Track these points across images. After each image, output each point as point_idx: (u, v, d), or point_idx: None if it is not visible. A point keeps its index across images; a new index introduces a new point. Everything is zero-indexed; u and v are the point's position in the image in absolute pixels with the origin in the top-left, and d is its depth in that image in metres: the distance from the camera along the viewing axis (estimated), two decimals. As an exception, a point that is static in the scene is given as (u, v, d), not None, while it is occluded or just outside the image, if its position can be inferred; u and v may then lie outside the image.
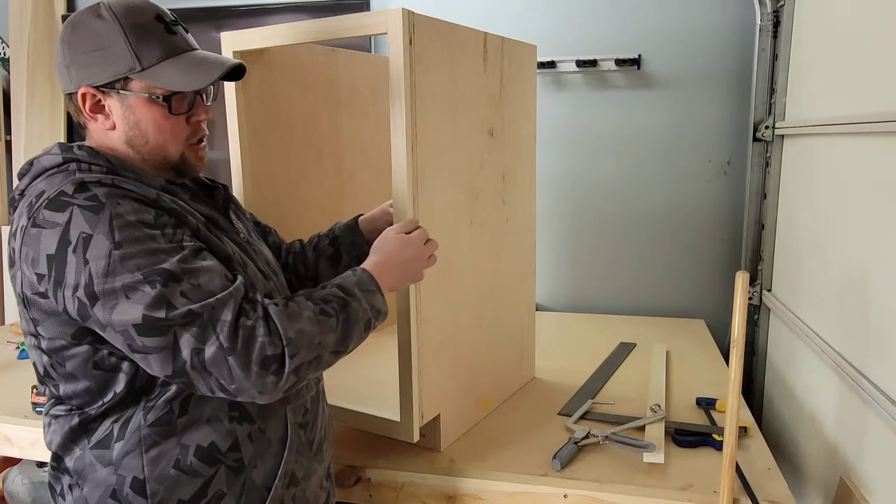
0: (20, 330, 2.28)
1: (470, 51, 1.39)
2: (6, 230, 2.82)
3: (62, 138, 2.80)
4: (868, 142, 1.41)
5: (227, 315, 0.84)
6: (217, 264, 0.89)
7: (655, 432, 1.44)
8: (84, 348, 0.89)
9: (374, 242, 1.13)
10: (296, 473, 1.04)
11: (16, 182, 0.97)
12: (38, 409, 1.62)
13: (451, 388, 1.43)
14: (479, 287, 1.51)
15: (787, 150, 2.07)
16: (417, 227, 1.16)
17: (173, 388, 0.92)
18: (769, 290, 2.17)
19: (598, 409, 1.61)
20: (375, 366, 1.66)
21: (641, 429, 1.47)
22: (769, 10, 2.10)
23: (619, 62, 2.33)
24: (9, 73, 2.82)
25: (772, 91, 2.14)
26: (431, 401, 1.35)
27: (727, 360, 1.66)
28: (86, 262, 0.82)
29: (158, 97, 0.93)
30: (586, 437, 1.41)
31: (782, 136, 2.09)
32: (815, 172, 1.77)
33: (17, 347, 2.11)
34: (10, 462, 1.98)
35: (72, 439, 0.94)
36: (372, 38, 2.51)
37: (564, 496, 1.29)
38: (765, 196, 2.17)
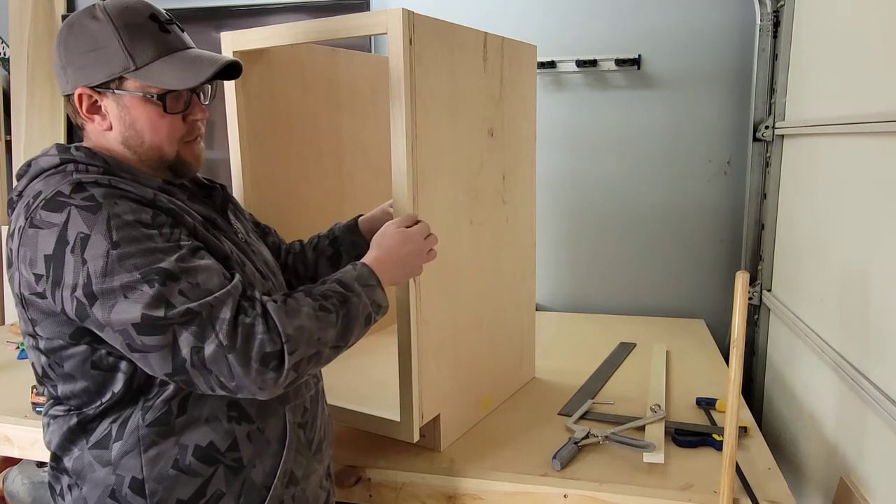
0: (20, 330, 2.29)
1: (470, 51, 1.39)
2: (6, 230, 2.82)
3: (62, 138, 2.80)
4: (868, 142, 1.41)
5: (226, 313, 0.84)
6: (215, 263, 0.90)
7: (655, 432, 1.44)
8: (82, 348, 0.89)
9: (374, 237, 1.13)
10: (295, 473, 1.04)
11: (15, 182, 0.97)
12: (38, 409, 1.62)
13: (451, 388, 1.43)
14: (479, 287, 1.51)
15: (787, 150, 2.07)
16: (418, 222, 1.16)
17: (171, 387, 0.92)
18: (769, 290, 2.17)
19: (598, 409, 1.61)
20: (375, 366, 1.66)
21: (641, 429, 1.47)
22: (769, 10, 2.10)
23: (619, 62, 2.33)
24: (9, 73, 2.82)
25: (772, 91, 2.14)
26: (431, 401, 1.35)
27: (727, 360, 1.66)
28: (84, 262, 0.82)
29: (153, 96, 0.93)
30: (586, 437, 1.41)
31: (782, 136, 2.09)
32: (815, 172, 1.77)
33: (17, 347, 2.11)
34: (10, 462, 1.98)
35: (70, 439, 0.94)
36: (372, 38, 2.51)
37: (564, 496, 1.29)
38: (765, 196, 2.17)
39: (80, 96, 0.94)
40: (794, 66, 2.02)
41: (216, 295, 0.85)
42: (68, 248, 0.83)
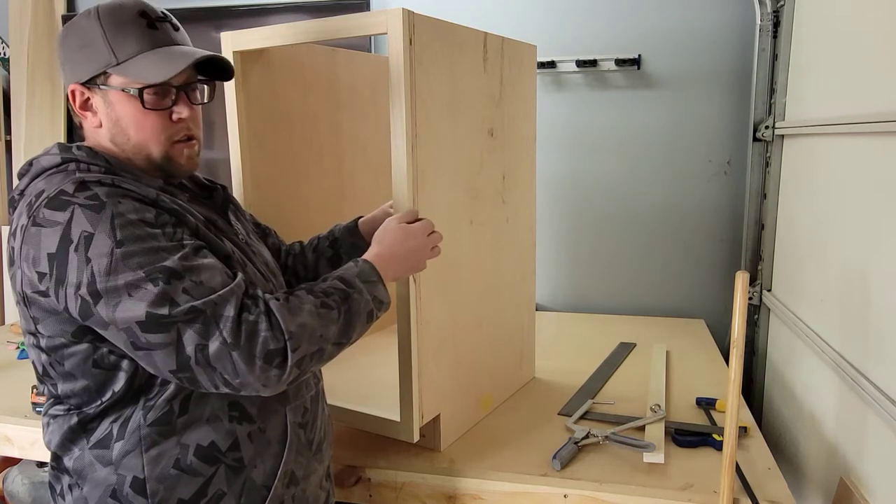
0: (20, 330, 2.28)
1: (470, 51, 1.39)
2: (6, 230, 2.82)
3: (62, 138, 2.80)
4: (868, 142, 1.41)
5: (230, 311, 0.84)
6: (217, 262, 0.90)
7: (655, 432, 1.44)
8: (83, 346, 0.89)
9: (376, 233, 1.13)
10: (295, 473, 1.04)
11: (16, 182, 0.97)
12: (38, 409, 1.62)
13: (451, 388, 1.43)
14: (479, 287, 1.51)
15: (787, 150, 2.07)
16: (419, 219, 1.16)
17: (173, 387, 0.92)
18: (769, 290, 2.18)
19: (598, 409, 1.61)
20: (375, 366, 1.66)
21: (641, 429, 1.47)
22: (769, 10, 2.10)
23: (619, 62, 2.33)
24: (9, 73, 2.82)
25: (772, 91, 2.14)
26: (431, 401, 1.35)
27: (727, 360, 1.66)
28: (88, 260, 0.82)
29: (132, 91, 0.92)
30: (586, 437, 1.41)
31: (782, 136, 2.09)
32: (815, 172, 1.77)
33: (18, 347, 2.11)
34: (10, 462, 1.98)
35: (70, 439, 0.94)
36: (372, 38, 2.51)
37: (564, 496, 1.29)
38: (765, 196, 2.17)
39: (72, 92, 0.95)
40: (794, 66, 2.02)
41: (220, 293, 0.85)
42: (72, 247, 0.83)
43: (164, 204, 0.91)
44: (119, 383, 0.91)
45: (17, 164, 2.82)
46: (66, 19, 2.77)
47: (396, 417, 1.32)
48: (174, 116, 0.96)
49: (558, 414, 1.59)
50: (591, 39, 2.38)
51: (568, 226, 2.52)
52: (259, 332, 0.85)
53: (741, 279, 1.14)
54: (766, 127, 2.13)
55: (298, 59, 1.59)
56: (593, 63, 2.35)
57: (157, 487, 0.91)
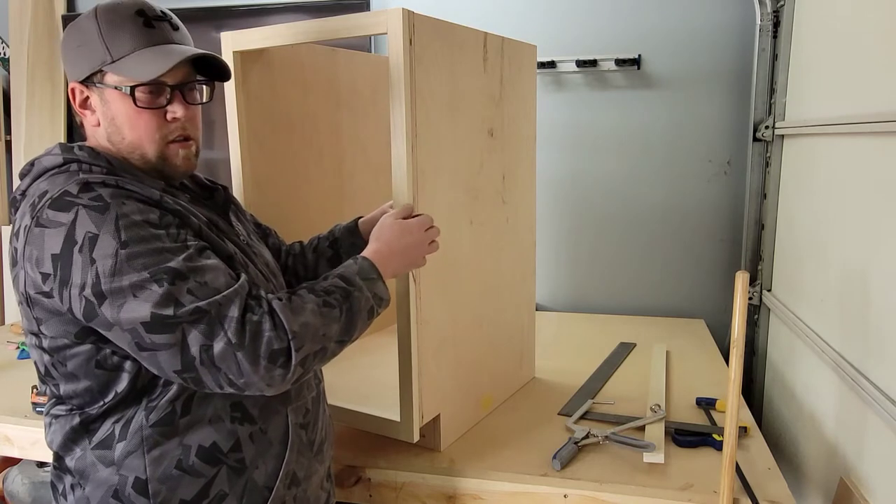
0: (20, 330, 2.29)
1: (470, 51, 1.39)
2: (6, 230, 2.82)
3: (62, 138, 2.80)
4: (868, 142, 1.41)
5: (234, 311, 0.84)
6: (221, 263, 0.90)
7: (655, 432, 1.44)
8: (86, 347, 0.89)
9: (373, 230, 1.12)
10: (297, 474, 1.04)
11: (16, 182, 0.97)
12: (38, 409, 1.62)
13: (451, 388, 1.43)
14: (479, 287, 1.51)
15: (787, 150, 2.07)
16: (417, 214, 1.16)
17: (175, 387, 0.92)
18: (769, 290, 2.17)
19: (598, 409, 1.61)
20: (375, 366, 1.66)
21: (641, 429, 1.47)
22: (769, 10, 2.10)
23: (619, 62, 2.33)
24: (9, 73, 2.82)
25: (772, 91, 2.14)
26: (431, 401, 1.35)
27: (727, 360, 1.66)
28: (92, 261, 0.82)
29: (125, 89, 0.93)
30: (586, 437, 1.41)
31: (782, 136, 2.09)
32: (815, 172, 1.77)
33: (18, 347, 2.11)
34: (10, 462, 1.98)
35: (72, 439, 0.94)
36: (372, 38, 2.51)
37: (564, 496, 1.29)
38: (765, 196, 2.17)
39: (72, 90, 0.96)
40: (794, 66, 2.02)
41: (224, 293, 0.85)
42: (76, 248, 0.83)
43: (167, 205, 0.91)
44: (122, 384, 0.91)
45: (17, 164, 2.82)
46: (66, 19, 2.77)
47: (396, 417, 1.32)
48: (168, 116, 0.96)
49: (558, 414, 1.59)
50: (591, 39, 2.38)
51: (568, 226, 2.52)
52: (263, 332, 0.85)
53: (741, 279, 1.14)
54: (766, 127, 2.13)
55: (298, 59, 1.59)
56: (593, 63, 2.34)
57: (160, 488, 0.92)
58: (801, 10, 1.95)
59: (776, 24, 2.10)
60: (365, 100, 1.83)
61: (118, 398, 0.91)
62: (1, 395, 1.75)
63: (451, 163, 1.36)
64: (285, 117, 1.57)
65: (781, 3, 2.06)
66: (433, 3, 2.34)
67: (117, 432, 0.92)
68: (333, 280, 0.97)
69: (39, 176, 0.93)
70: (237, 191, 1.48)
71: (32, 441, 1.60)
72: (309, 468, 1.07)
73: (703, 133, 2.36)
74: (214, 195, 1.08)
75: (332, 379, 1.41)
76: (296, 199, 1.62)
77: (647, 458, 1.33)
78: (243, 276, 0.90)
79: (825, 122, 1.67)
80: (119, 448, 0.91)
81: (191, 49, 0.95)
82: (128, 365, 0.90)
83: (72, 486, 0.95)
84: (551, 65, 2.38)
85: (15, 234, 0.90)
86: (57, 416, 0.96)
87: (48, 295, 0.86)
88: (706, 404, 1.61)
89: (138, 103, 0.93)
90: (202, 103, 1.02)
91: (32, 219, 0.86)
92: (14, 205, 0.94)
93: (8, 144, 2.87)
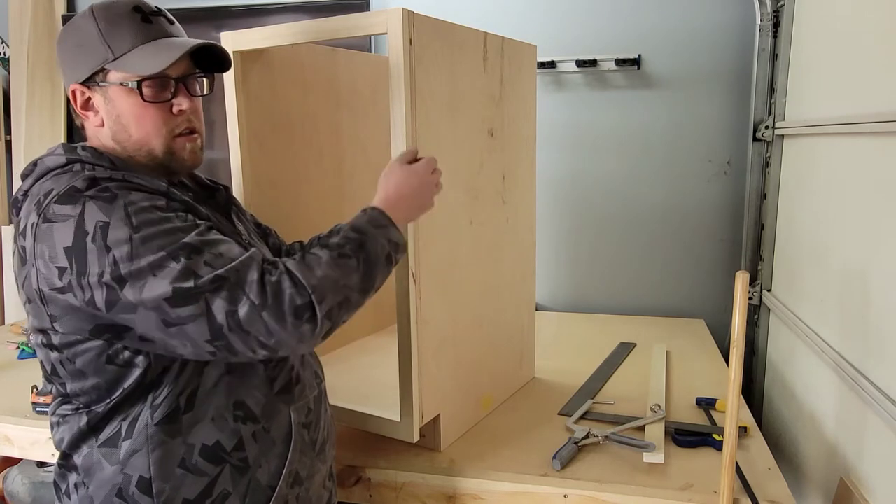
0: (20, 330, 2.29)
1: (470, 51, 1.39)
2: (6, 230, 2.82)
3: (62, 138, 2.80)
4: (868, 142, 1.41)
5: (253, 275, 0.85)
6: (229, 239, 0.91)
7: (655, 432, 1.44)
8: (98, 343, 0.89)
9: (380, 179, 1.11)
10: (300, 473, 1.04)
11: (17, 182, 0.97)
12: (38, 409, 1.62)
13: (451, 388, 1.43)
14: (479, 287, 1.51)
15: (787, 150, 2.07)
16: (420, 158, 1.14)
17: (180, 383, 0.92)
18: (769, 290, 2.18)
19: (598, 409, 1.61)
20: (375, 366, 1.66)
21: (641, 429, 1.47)
22: (769, 10, 2.10)
23: (619, 62, 2.33)
24: (9, 73, 2.82)
25: (772, 91, 2.14)
26: (431, 401, 1.35)
27: (727, 360, 1.66)
28: (108, 248, 0.83)
29: (131, 84, 0.93)
30: (586, 437, 1.41)
31: (782, 136, 2.09)
32: (815, 172, 1.77)
33: (18, 347, 2.11)
34: (10, 462, 1.98)
35: (80, 438, 0.94)
36: (372, 38, 2.51)
37: (564, 496, 1.29)
38: (765, 196, 2.17)
39: (73, 93, 0.95)
40: (794, 66, 2.02)
41: (240, 260, 0.86)
42: (88, 238, 0.83)
43: (174, 195, 0.93)
44: (129, 380, 0.90)
45: (17, 164, 2.82)
46: (66, 19, 2.77)
47: (396, 417, 1.32)
48: (175, 109, 0.96)
49: (558, 414, 1.59)
50: (591, 39, 2.38)
51: (568, 226, 2.52)
52: (284, 290, 0.85)
53: (741, 279, 1.14)
54: (766, 127, 2.13)
55: (298, 59, 1.59)
56: (593, 63, 2.34)
57: (163, 487, 0.92)
58: (801, 10, 1.95)
59: (776, 24, 2.10)
60: (365, 100, 1.83)
61: (124, 394, 0.91)
62: (1, 395, 1.75)
63: (451, 163, 1.36)
64: (285, 117, 1.57)
65: (781, 3, 2.06)
66: (433, 3, 2.34)
67: (124, 430, 0.92)
68: (345, 233, 0.97)
69: (42, 176, 0.93)
70: (237, 191, 1.48)
71: (32, 441, 1.60)
72: (311, 467, 1.07)
73: (703, 133, 2.36)
74: (216, 195, 1.08)
75: (332, 379, 1.41)
76: (296, 199, 1.62)
77: (647, 458, 1.33)
78: (253, 248, 0.91)
79: (825, 122, 1.67)
80: (125, 446, 0.91)
81: (192, 40, 0.96)
82: (139, 360, 0.90)
83: (75, 485, 0.95)
84: (551, 65, 2.37)
85: (21, 234, 0.89)
86: (64, 416, 0.96)
87: (64, 290, 0.85)
88: (706, 404, 1.61)
89: (145, 98, 0.93)
90: (204, 95, 1.02)
91: (39, 216, 0.86)
92: (16, 205, 0.94)
93: (8, 144, 2.87)
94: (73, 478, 0.96)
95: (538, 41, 1.82)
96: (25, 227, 0.88)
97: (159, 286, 0.82)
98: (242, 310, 0.83)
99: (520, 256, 1.70)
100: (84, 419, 0.93)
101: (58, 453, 0.99)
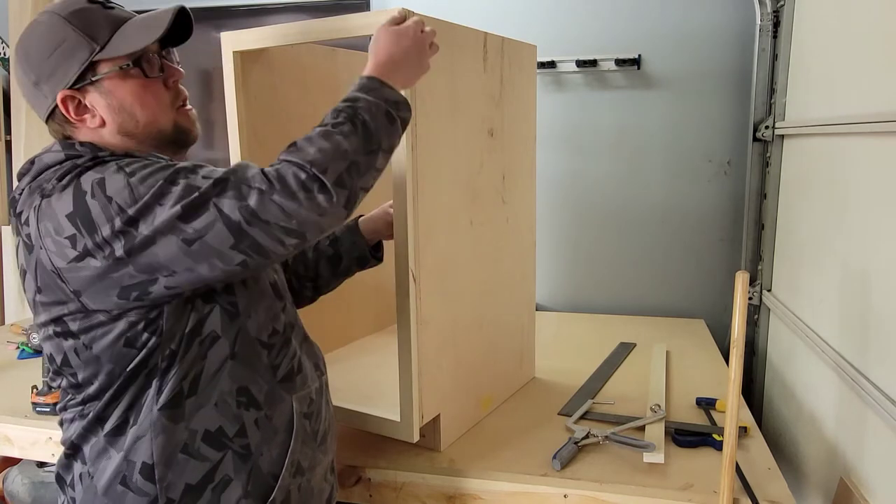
0: (20, 330, 2.29)
1: (470, 51, 1.39)
2: (6, 230, 2.82)
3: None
4: (868, 142, 1.41)
5: (252, 170, 0.87)
6: None
7: (655, 432, 1.44)
8: (120, 324, 0.89)
9: (369, 46, 1.07)
10: (301, 463, 1.05)
11: (16, 183, 0.96)
12: (38, 409, 1.62)
13: (451, 388, 1.43)
14: (479, 287, 1.50)
15: (787, 150, 2.07)
16: (408, 19, 1.11)
17: (185, 364, 0.92)
18: (769, 290, 2.18)
19: (598, 409, 1.61)
20: (375, 366, 1.66)
21: (641, 429, 1.47)
22: (769, 10, 2.10)
23: (619, 62, 2.33)
24: (9, 73, 2.82)
25: (772, 91, 2.14)
26: (431, 401, 1.35)
27: (727, 360, 1.66)
28: (109, 199, 0.84)
29: (128, 66, 0.93)
30: (586, 437, 1.41)
31: (782, 136, 2.09)
32: (815, 172, 1.77)
33: (17, 347, 2.11)
34: (10, 462, 1.98)
35: (89, 429, 0.95)
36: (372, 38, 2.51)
37: (564, 496, 1.29)
38: (765, 196, 2.18)
39: (63, 102, 0.92)
40: (794, 66, 2.02)
41: (235, 163, 0.89)
42: (87, 196, 0.85)
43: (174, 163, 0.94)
44: (138, 360, 0.90)
45: (18, 164, 2.82)
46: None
47: (397, 417, 1.32)
48: (170, 80, 0.99)
49: (558, 414, 1.59)
50: (591, 39, 2.38)
51: (568, 226, 2.52)
52: (285, 172, 0.86)
53: (741, 279, 1.14)
54: (766, 127, 2.13)
55: (298, 59, 1.59)
56: (593, 63, 2.35)
57: (165, 472, 0.92)
58: (801, 10, 1.95)
59: (776, 24, 2.10)
60: (365, 100, 1.82)
61: (133, 379, 0.91)
62: (1, 395, 1.75)
63: (451, 163, 1.36)
64: (285, 117, 1.57)
65: (781, 3, 2.06)
66: (433, 3, 2.34)
67: (131, 418, 0.92)
68: (336, 106, 0.96)
69: (40, 173, 0.92)
70: (237, 191, 1.47)
71: (32, 441, 1.60)
72: (313, 458, 1.08)
73: (703, 133, 2.36)
74: None
75: (332, 379, 1.41)
76: (296, 199, 1.62)
77: (647, 458, 1.33)
78: None
79: (825, 122, 1.67)
80: (131, 433, 0.92)
81: (168, 9, 0.95)
82: (153, 342, 0.90)
83: (80, 476, 0.96)
84: (551, 65, 2.38)
85: (25, 223, 0.89)
86: (72, 413, 0.96)
87: (81, 257, 0.85)
88: (706, 404, 1.61)
89: (147, 73, 0.94)
90: (178, 63, 1.03)
91: (41, 197, 0.88)
92: (13, 204, 0.94)
93: (8, 144, 2.87)
94: (78, 468, 0.96)
95: (538, 41, 1.82)
96: (28, 214, 0.88)
97: (168, 210, 0.84)
98: (252, 199, 0.84)
99: (520, 256, 1.70)
100: (91, 411, 0.93)
101: (61, 451, 0.99)
